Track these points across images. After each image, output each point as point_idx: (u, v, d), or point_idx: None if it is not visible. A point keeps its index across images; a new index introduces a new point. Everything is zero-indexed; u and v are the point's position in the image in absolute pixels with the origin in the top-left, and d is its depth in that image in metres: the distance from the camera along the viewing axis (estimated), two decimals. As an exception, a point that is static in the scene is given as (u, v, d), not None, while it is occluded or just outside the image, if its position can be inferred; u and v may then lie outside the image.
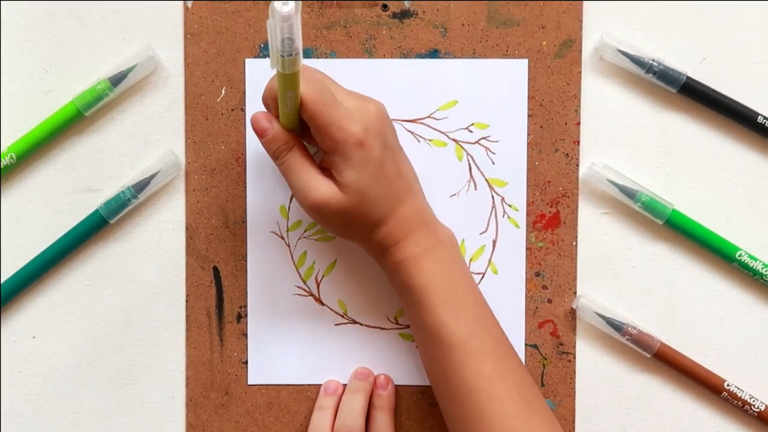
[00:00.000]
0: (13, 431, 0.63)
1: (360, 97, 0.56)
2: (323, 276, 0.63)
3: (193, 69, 0.62)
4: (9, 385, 0.63)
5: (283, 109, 0.53)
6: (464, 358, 0.54)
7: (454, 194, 0.63)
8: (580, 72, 0.62)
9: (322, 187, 0.54)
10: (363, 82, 0.62)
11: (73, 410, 0.63)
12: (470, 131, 0.62)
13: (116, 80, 0.61)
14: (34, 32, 0.62)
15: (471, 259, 0.63)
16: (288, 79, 0.50)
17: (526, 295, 0.63)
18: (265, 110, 0.56)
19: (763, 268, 0.61)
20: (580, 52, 0.62)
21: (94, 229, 0.62)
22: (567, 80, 0.62)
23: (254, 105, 0.62)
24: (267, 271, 0.63)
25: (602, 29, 0.62)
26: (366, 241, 0.57)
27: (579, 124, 0.62)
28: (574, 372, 0.63)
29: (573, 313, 0.63)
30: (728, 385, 0.61)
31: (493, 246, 0.63)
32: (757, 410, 0.61)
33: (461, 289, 0.56)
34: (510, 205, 0.63)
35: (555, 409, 0.63)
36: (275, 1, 0.45)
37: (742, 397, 0.61)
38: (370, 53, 0.62)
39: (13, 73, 0.62)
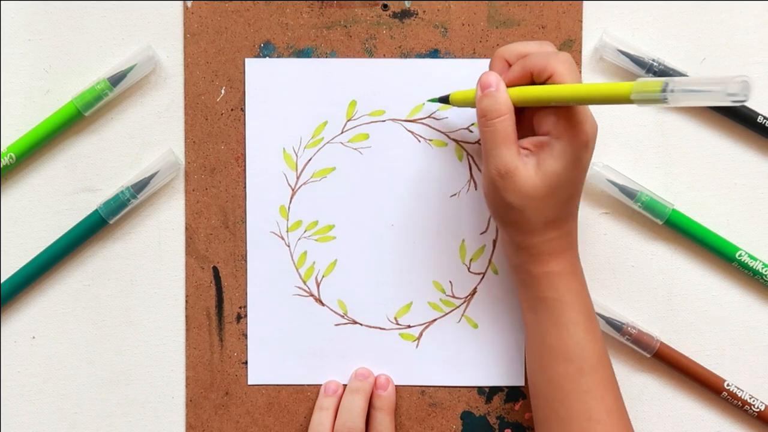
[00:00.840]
0: (13, 431, 0.63)
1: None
2: (323, 276, 0.63)
3: (192, 69, 0.62)
4: (9, 385, 0.63)
5: (557, 98, 0.52)
6: (592, 385, 0.54)
7: (454, 194, 0.62)
8: (580, 72, 0.62)
9: (524, 160, 0.53)
10: (363, 82, 0.62)
11: (73, 410, 0.63)
12: (470, 131, 0.62)
13: (116, 80, 0.61)
14: (34, 32, 0.62)
15: (471, 259, 0.63)
16: (621, 100, 0.49)
17: (526, 295, 0.63)
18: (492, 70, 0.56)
19: (763, 268, 0.61)
20: (580, 52, 0.62)
21: (94, 229, 0.62)
22: (567, 80, 0.62)
23: (254, 105, 0.62)
24: (267, 271, 0.63)
25: (602, 29, 0.62)
26: (523, 238, 0.55)
27: (579, 124, 0.62)
28: (574, 372, 0.63)
29: (573, 313, 0.63)
30: (728, 385, 0.61)
31: (494, 246, 0.63)
32: (757, 410, 0.61)
33: (595, 318, 0.56)
34: (510, 205, 0.62)
35: (555, 409, 0.63)
36: (742, 80, 0.45)
37: (742, 397, 0.61)
38: (370, 53, 0.62)
39: (13, 73, 0.62)
